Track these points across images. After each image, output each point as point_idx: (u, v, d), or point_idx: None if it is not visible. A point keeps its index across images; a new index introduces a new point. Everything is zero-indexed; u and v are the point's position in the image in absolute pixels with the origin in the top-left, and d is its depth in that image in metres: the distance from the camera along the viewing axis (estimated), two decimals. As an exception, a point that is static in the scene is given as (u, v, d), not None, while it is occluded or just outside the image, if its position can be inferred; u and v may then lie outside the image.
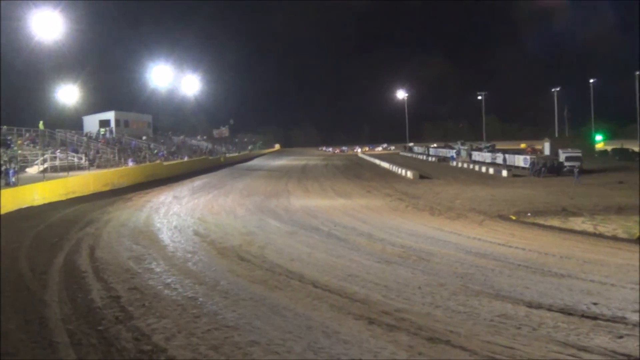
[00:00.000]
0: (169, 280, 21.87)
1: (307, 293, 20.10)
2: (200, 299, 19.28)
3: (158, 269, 23.78)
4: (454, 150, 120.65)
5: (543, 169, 74.45)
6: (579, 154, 78.17)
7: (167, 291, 20.34)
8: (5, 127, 68.02)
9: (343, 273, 23.05)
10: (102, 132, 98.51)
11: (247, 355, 14.15)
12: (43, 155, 61.61)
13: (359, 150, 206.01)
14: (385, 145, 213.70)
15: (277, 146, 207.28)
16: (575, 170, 63.12)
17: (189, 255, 26.79)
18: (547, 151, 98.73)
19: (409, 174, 78.15)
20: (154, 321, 16.71)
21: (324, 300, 19.10)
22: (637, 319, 16.62)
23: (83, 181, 53.48)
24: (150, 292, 20.17)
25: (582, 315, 17.21)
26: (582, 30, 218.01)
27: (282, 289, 20.73)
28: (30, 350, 14.35)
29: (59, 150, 67.11)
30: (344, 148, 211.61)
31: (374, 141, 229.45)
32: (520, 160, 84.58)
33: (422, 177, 76.15)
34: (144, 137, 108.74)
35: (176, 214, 41.82)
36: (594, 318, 16.95)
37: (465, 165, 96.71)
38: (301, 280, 21.78)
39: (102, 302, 18.74)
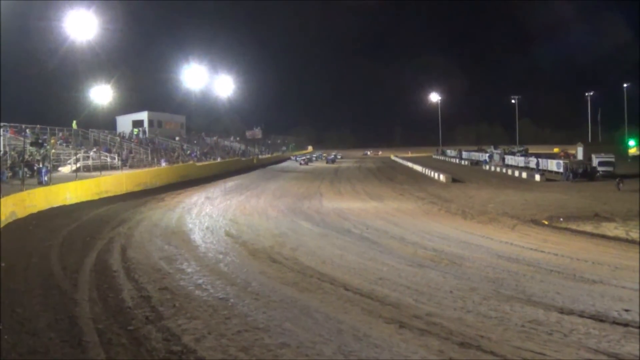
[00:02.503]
0: (200, 281, 21.90)
1: (338, 296, 20.05)
2: (231, 300, 19.28)
3: (189, 270, 23.84)
4: (487, 154, 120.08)
5: (576, 173, 73.88)
6: (612, 159, 77.56)
7: (198, 292, 20.36)
8: (38, 126, 68.47)
9: (374, 276, 22.97)
10: (136, 132, 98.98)
11: (277, 357, 14.12)
12: (76, 154, 61.92)
13: (369, 152, 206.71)
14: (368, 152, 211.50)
15: (310, 148, 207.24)
16: (617, 180, 62.46)
17: (221, 256, 26.82)
18: (580, 156, 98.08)
19: (442, 178, 78.00)
20: (185, 322, 16.72)
21: (355, 304, 19.04)
22: (670, 326, 16.45)
23: (115, 181, 53.82)
24: (181, 292, 20.20)
25: (614, 322, 17.02)
26: (616, 34, 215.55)
27: (313, 292, 20.69)
28: (60, 349, 14.39)
29: (92, 150, 67.51)
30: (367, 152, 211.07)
31: (405, 144, 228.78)
32: (553, 165, 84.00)
33: (454, 180, 75.96)
34: (177, 138, 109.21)
35: (208, 214, 41.93)
36: (626, 325, 16.76)
37: (498, 169, 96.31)
38: (332, 283, 21.73)
39: (133, 302, 18.80)
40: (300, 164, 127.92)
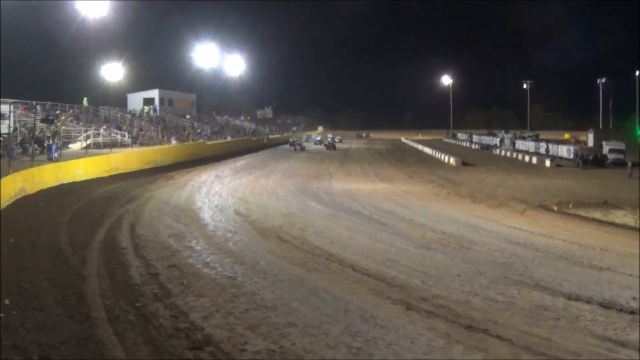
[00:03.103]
0: (209, 259, 21.96)
1: (345, 276, 20.09)
2: (239, 279, 19.34)
3: (198, 248, 23.91)
4: (498, 138, 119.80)
5: (587, 160, 73.63)
6: (623, 147, 77.32)
7: (206, 270, 20.42)
8: (49, 103, 68.51)
9: (382, 257, 23.01)
10: (146, 110, 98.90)
11: (284, 336, 14.15)
12: (86, 131, 62.05)
13: (363, 134, 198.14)
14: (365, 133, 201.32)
15: (320, 128, 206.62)
16: (629, 164, 62.22)
17: (229, 235, 26.89)
18: (590, 143, 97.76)
19: (452, 161, 77.84)
20: (192, 299, 16.78)
21: (363, 284, 19.08)
22: (677, 315, 16.43)
23: (125, 158, 53.93)
24: (190, 270, 20.27)
25: (621, 310, 17.05)
26: (629, 21, 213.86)
27: (321, 272, 20.74)
28: (67, 325, 14.42)
29: (102, 127, 67.55)
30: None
31: (416, 127, 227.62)
32: (563, 151, 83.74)
33: (464, 164, 75.82)
34: (187, 116, 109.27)
35: (218, 193, 42.00)
36: (632, 313, 16.77)
37: (508, 154, 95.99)
38: (340, 263, 21.77)
39: (141, 279, 18.88)
40: (296, 149, 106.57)
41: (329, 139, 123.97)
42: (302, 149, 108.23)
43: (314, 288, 18.34)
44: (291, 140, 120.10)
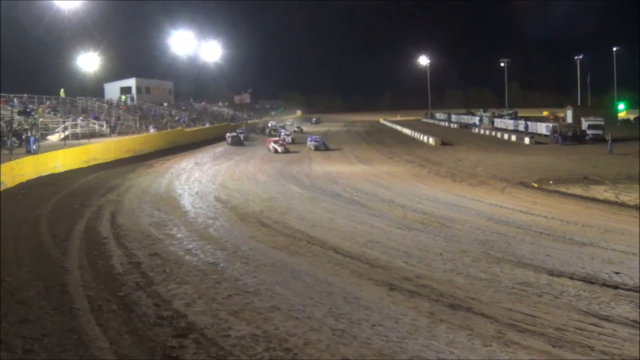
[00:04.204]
0: (190, 246, 21.95)
1: (328, 259, 20.11)
2: (221, 265, 19.33)
3: (179, 235, 23.87)
4: (477, 117, 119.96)
5: (566, 137, 73.84)
6: (602, 123, 77.59)
7: (188, 257, 20.40)
8: (26, 95, 67.96)
9: (364, 239, 23.06)
10: (124, 99, 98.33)
11: (268, 320, 14.16)
12: (64, 122, 61.50)
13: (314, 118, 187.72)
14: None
15: (298, 112, 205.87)
16: (609, 140, 62.44)
17: (210, 221, 26.88)
18: (569, 119, 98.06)
19: (431, 141, 77.88)
20: (175, 287, 16.77)
21: (345, 266, 19.11)
22: (660, 288, 16.53)
23: (104, 148, 53.59)
24: (171, 258, 20.24)
25: (604, 284, 17.20)
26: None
27: (303, 255, 20.76)
28: (50, 317, 14.37)
29: (80, 118, 67.11)
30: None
31: (394, 108, 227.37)
32: (542, 128, 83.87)
33: (444, 143, 75.79)
34: (165, 104, 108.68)
35: (197, 180, 41.92)
36: (615, 287, 16.92)
37: (487, 133, 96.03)
38: (322, 246, 21.80)
39: (123, 268, 18.85)
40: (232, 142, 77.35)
41: (283, 133, 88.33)
42: (239, 142, 78.52)
43: (296, 272, 18.36)
44: (237, 131, 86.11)
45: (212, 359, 12.18)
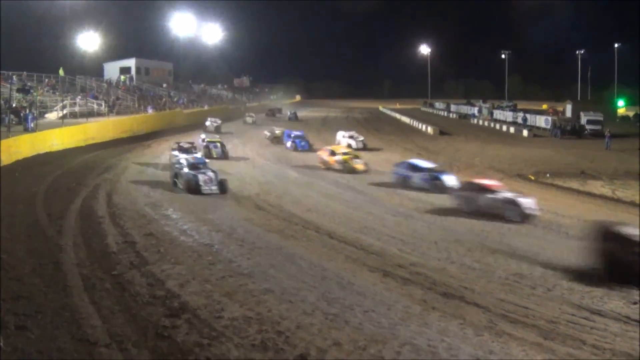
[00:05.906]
0: (185, 227, 21.98)
1: (323, 243, 20.16)
2: (216, 247, 19.37)
3: (174, 216, 23.89)
4: (476, 108, 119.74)
5: (564, 130, 73.72)
6: (601, 118, 77.51)
7: (183, 238, 20.44)
8: (25, 73, 67.74)
9: (359, 225, 23.12)
10: (123, 79, 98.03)
11: (261, 303, 14.20)
12: (63, 101, 61.36)
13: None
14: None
15: (297, 97, 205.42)
16: (607, 135, 62.31)
17: (206, 203, 26.83)
18: (568, 113, 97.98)
19: (429, 130, 77.65)
20: (169, 267, 16.80)
21: (340, 251, 19.17)
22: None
23: (102, 127, 53.47)
24: (166, 238, 20.27)
25: (597, 279, 17.17)
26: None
27: (298, 239, 20.81)
28: (44, 294, 14.42)
29: (79, 97, 66.89)
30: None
31: (394, 96, 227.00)
32: (541, 121, 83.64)
33: (442, 133, 75.52)
34: (164, 85, 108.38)
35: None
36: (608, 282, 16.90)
37: (486, 124, 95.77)
38: (317, 231, 21.86)
39: (118, 248, 18.87)
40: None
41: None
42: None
43: (290, 255, 18.41)
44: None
45: (204, 340, 12.20)
